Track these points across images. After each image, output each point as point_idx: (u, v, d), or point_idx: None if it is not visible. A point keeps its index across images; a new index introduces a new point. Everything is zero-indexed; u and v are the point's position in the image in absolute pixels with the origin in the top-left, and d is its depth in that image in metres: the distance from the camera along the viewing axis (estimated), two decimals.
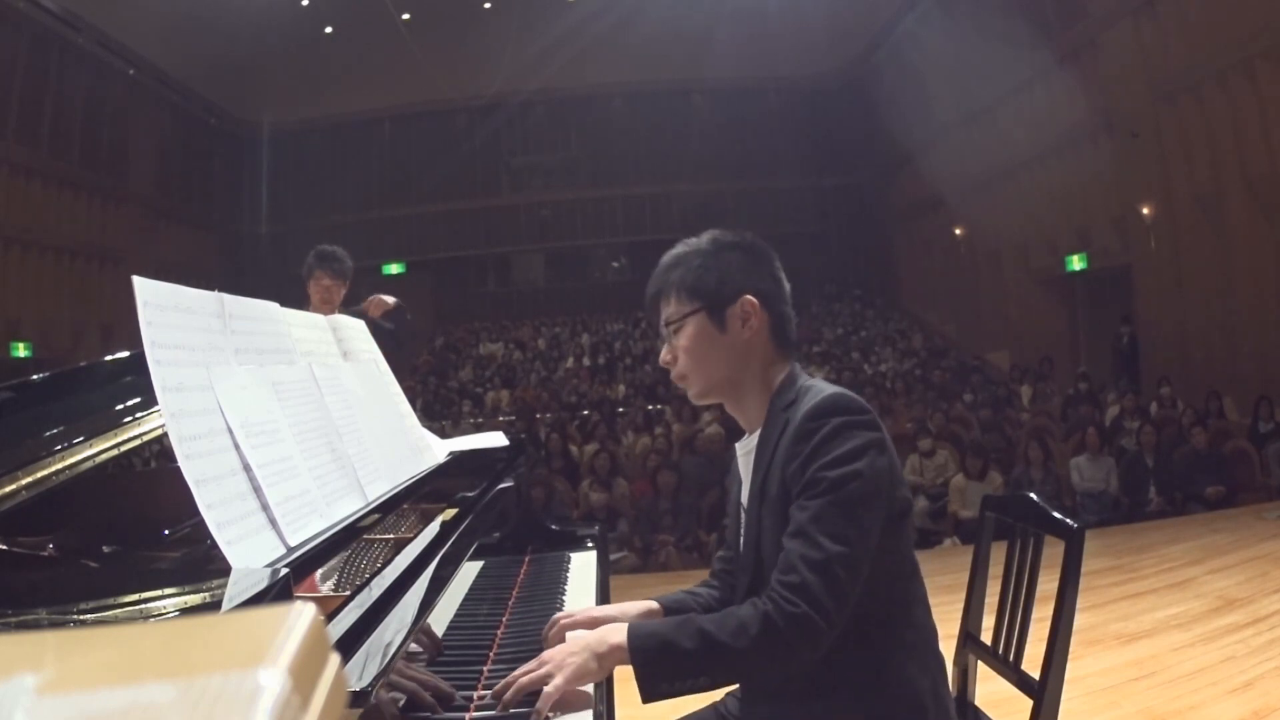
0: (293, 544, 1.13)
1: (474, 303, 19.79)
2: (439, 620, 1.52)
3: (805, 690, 1.37)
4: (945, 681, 1.45)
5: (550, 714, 1.25)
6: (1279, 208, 9.25)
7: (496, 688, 1.28)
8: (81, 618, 0.93)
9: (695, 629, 1.27)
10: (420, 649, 1.40)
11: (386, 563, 1.24)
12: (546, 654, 1.31)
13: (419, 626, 1.22)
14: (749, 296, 1.46)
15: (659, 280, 1.52)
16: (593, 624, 1.46)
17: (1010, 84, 12.81)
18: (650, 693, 1.27)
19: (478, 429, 7.25)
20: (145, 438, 1.49)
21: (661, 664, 1.27)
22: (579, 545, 2.16)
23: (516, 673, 1.29)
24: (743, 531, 1.49)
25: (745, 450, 1.52)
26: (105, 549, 1.45)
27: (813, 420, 1.35)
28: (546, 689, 1.24)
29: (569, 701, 1.27)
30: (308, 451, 1.30)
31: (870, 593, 1.31)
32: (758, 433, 1.48)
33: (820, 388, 1.43)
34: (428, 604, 1.25)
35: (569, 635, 1.39)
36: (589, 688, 1.30)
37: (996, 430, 8.65)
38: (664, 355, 1.53)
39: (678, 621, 1.31)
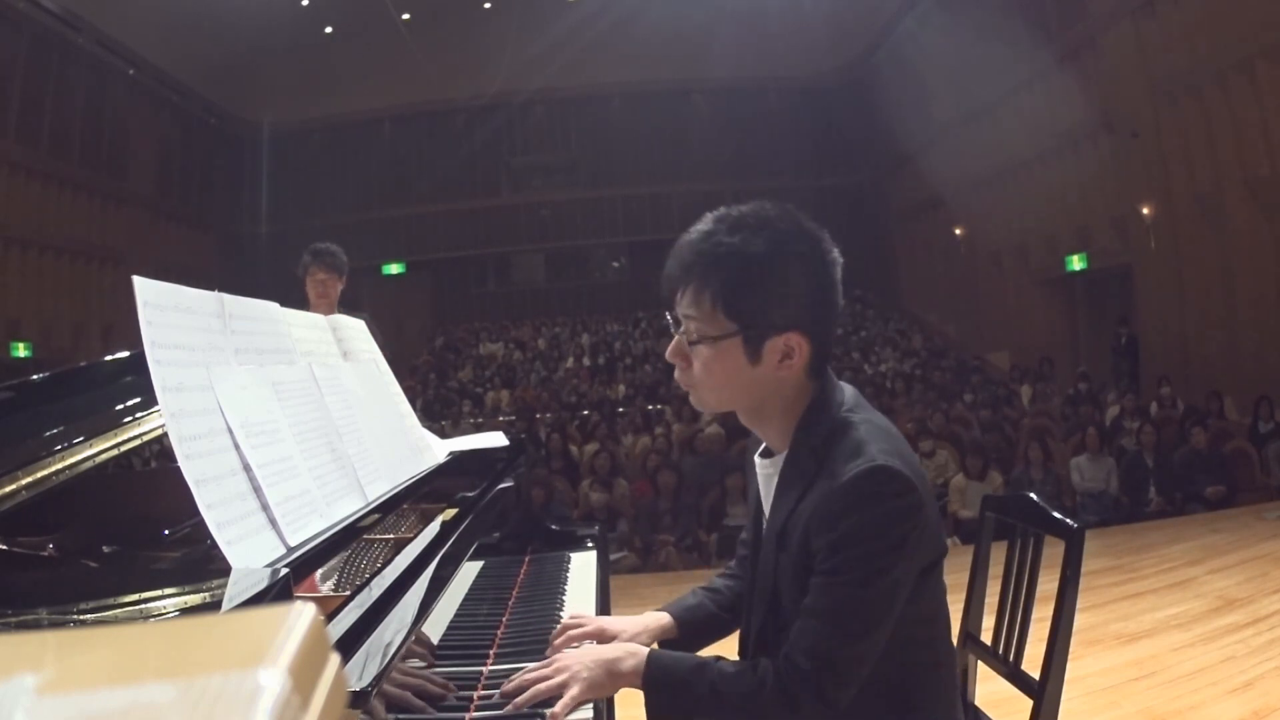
0: (293, 544, 1.13)
1: (474, 303, 19.78)
2: (439, 620, 1.52)
3: None
4: (960, 705, 1.45)
5: (549, 711, 1.25)
6: (1279, 208, 9.25)
7: (506, 686, 1.28)
8: (81, 618, 0.93)
9: (709, 680, 1.26)
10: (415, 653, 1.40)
11: (386, 563, 1.24)
12: (561, 659, 1.31)
13: (419, 626, 1.22)
14: (797, 334, 1.26)
15: (695, 262, 1.27)
16: (601, 635, 1.45)
17: (1010, 84, 12.80)
18: (655, 718, 1.31)
19: (478, 429, 7.25)
20: (145, 438, 1.49)
21: (672, 701, 1.29)
22: (579, 545, 2.15)
23: (529, 675, 1.29)
24: (763, 547, 1.42)
25: (766, 472, 1.40)
26: (105, 549, 1.45)
27: (851, 503, 1.20)
28: (562, 699, 1.25)
29: None
30: (308, 451, 1.30)
31: (900, 644, 1.28)
32: (780, 458, 1.35)
33: (857, 439, 1.25)
34: (428, 604, 1.25)
35: (585, 645, 1.39)
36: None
37: (996, 430, 8.65)
38: (672, 351, 1.33)
39: (694, 665, 1.29)
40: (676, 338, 1.32)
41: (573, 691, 1.25)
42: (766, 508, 1.39)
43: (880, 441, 1.26)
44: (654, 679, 1.28)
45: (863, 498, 1.20)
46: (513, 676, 1.30)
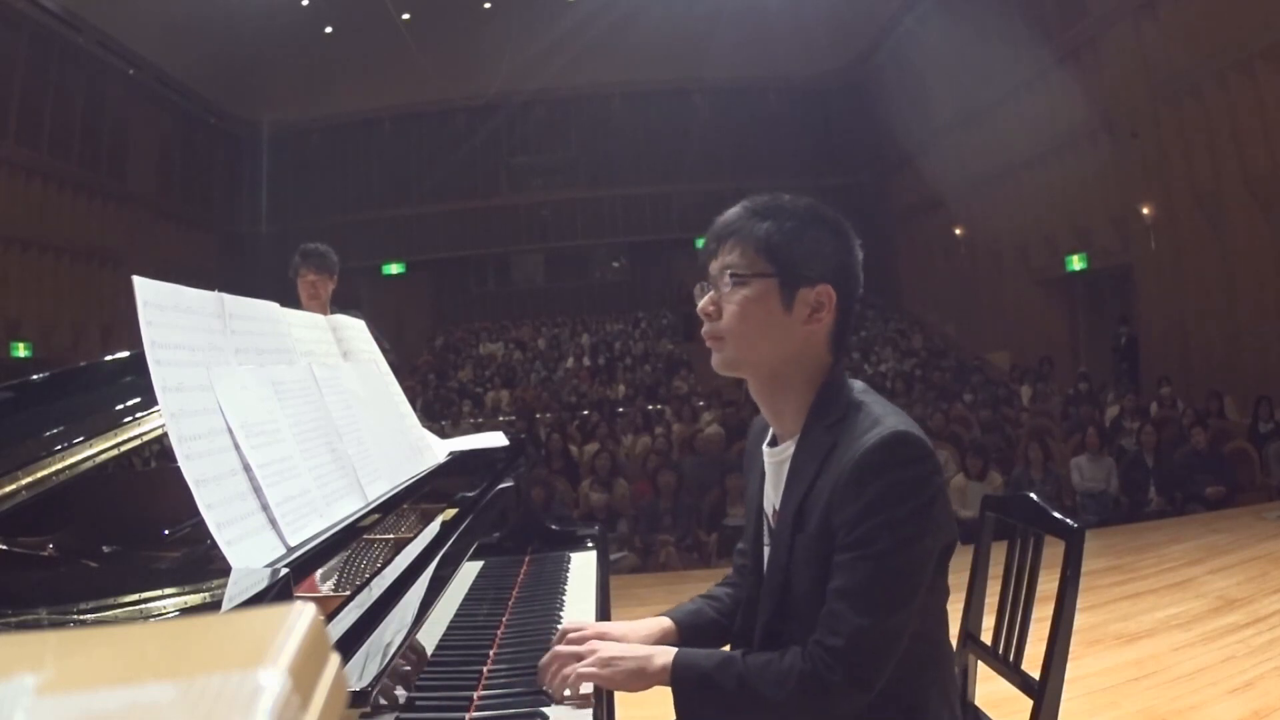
0: (293, 544, 1.13)
1: (474, 303, 19.79)
2: (439, 620, 1.52)
3: None
4: (959, 705, 1.45)
5: (549, 711, 1.25)
6: (1279, 208, 9.25)
7: (542, 661, 1.33)
8: (81, 618, 0.93)
9: (736, 673, 1.26)
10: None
11: (386, 563, 1.24)
12: (594, 643, 1.33)
13: (419, 626, 1.22)
14: (829, 286, 1.32)
15: (737, 222, 1.34)
16: (602, 639, 1.45)
17: (1010, 84, 12.81)
18: (686, 716, 1.32)
19: (478, 429, 7.25)
20: (145, 438, 1.49)
21: (700, 698, 1.29)
22: (579, 545, 2.15)
23: (560, 649, 1.33)
24: (767, 543, 1.42)
25: (777, 459, 1.40)
26: (105, 549, 1.45)
27: (873, 467, 1.22)
28: (587, 670, 1.28)
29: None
30: (308, 451, 1.30)
31: (913, 633, 1.28)
32: (792, 443, 1.36)
33: (873, 413, 1.29)
34: (428, 604, 1.26)
35: (619, 634, 1.42)
36: (589, 686, 1.31)
37: (996, 430, 8.65)
38: (705, 303, 1.35)
39: (721, 660, 1.29)
40: (711, 292, 1.35)
41: (600, 670, 1.28)
42: (776, 496, 1.38)
43: (895, 415, 1.30)
44: (682, 676, 1.28)
45: (885, 464, 1.22)
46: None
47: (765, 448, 1.44)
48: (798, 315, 1.31)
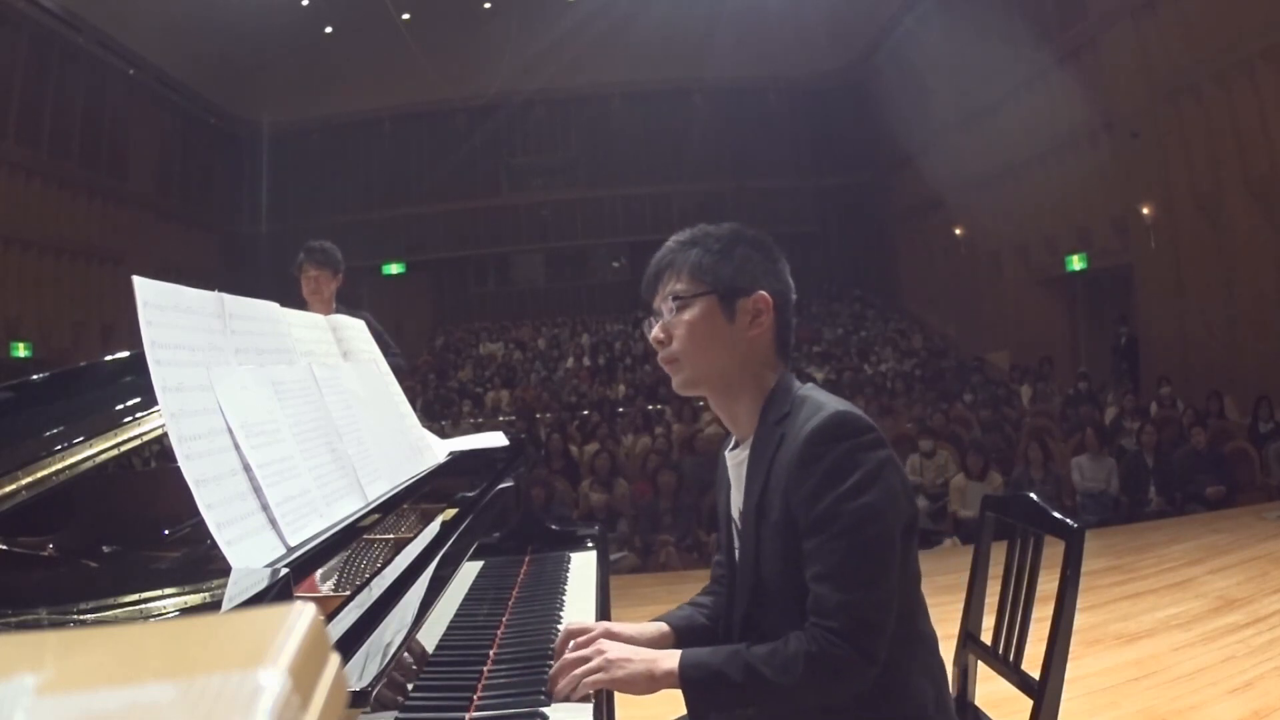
0: (293, 544, 1.13)
1: (474, 303, 19.79)
2: (439, 620, 1.52)
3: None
4: (947, 687, 1.46)
5: (549, 711, 1.25)
6: (1279, 208, 9.24)
7: (552, 673, 1.34)
8: (81, 618, 0.93)
9: (744, 663, 1.29)
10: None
11: (386, 563, 1.24)
12: (603, 645, 1.35)
13: (419, 626, 1.22)
14: (764, 293, 1.41)
15: (669, 254, 1.45)
16: (609, 637, 1.46)
17: (1010, 84, 12.80)
18: (699, 718, 1.36)
19: (478, 429, 7.24)
20: (145, 438, 1.49)
21: (712, 694, 1.31)
22: (579, 545, 2.16)
23: (569, 657, 1.34)
24: (737, 546, 1.47)
25: (736, 461, 1.49)
26: (105, 549, 1.44)
27: (818, 445, 1.30)
28: (594, 676, 1.29)
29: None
30: (308, 451, 1.30)
31: None
32: (749, 443, 1.44)
33: (816, 401, 1.38)
34: (428, 604, 1.25)
35: (623, 642, 1.42)
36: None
37: (996, 430, 8.65)
38: (655, 332, 1.45)
39: (727, 653, 1.32)
40: (660, 321, 1.45)
41: (602, 676, 1.29)
42: (739, 497, 1.46)
43: (836, 402, 1.39)
44: (691, 676, 1.30)
45: (827, 441, 1.30)
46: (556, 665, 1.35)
47: (726, 453, 1.53)
48: (740, 324, 1.41)
